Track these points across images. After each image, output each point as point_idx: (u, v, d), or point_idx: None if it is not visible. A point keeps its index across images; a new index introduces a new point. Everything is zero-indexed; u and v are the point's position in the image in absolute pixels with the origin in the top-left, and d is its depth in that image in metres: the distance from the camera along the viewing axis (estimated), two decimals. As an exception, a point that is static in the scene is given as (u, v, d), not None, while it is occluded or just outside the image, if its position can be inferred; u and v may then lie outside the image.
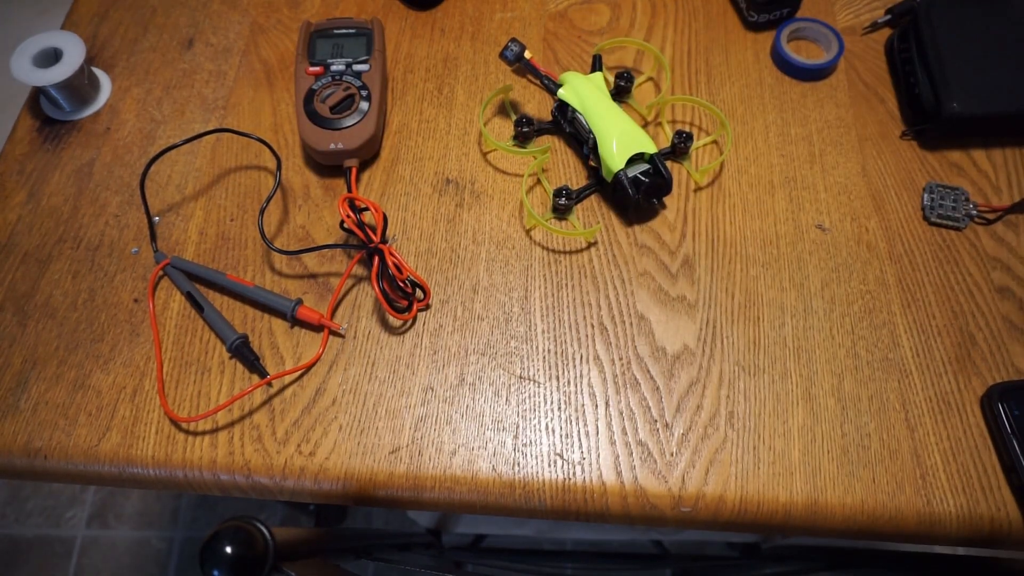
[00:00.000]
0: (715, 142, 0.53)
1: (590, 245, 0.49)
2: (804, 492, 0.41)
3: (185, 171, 0.52)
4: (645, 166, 0.48)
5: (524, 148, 0.52)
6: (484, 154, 0.52)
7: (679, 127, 0.53)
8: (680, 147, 0.50)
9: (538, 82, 0.55)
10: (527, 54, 0.52)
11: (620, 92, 0.53)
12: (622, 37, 0.56)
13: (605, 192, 0.50)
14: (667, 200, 0.50)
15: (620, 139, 0.47)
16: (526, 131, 0.52)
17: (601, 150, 0.48)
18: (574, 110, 0.50)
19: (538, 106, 0.54)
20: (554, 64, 0.56)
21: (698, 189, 0.51)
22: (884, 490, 0.41)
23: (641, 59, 0.56)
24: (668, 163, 0.51)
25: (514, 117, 0.53)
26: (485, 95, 0.55)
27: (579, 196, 0.50)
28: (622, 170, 0.47)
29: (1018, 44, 0.51)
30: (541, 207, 0.50)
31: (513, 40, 0.52)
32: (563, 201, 0.49)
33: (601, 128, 0.48)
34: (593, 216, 0.50)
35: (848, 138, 0.53)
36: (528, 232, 0.49)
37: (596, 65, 0.53)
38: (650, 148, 0.48)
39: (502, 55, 0.52)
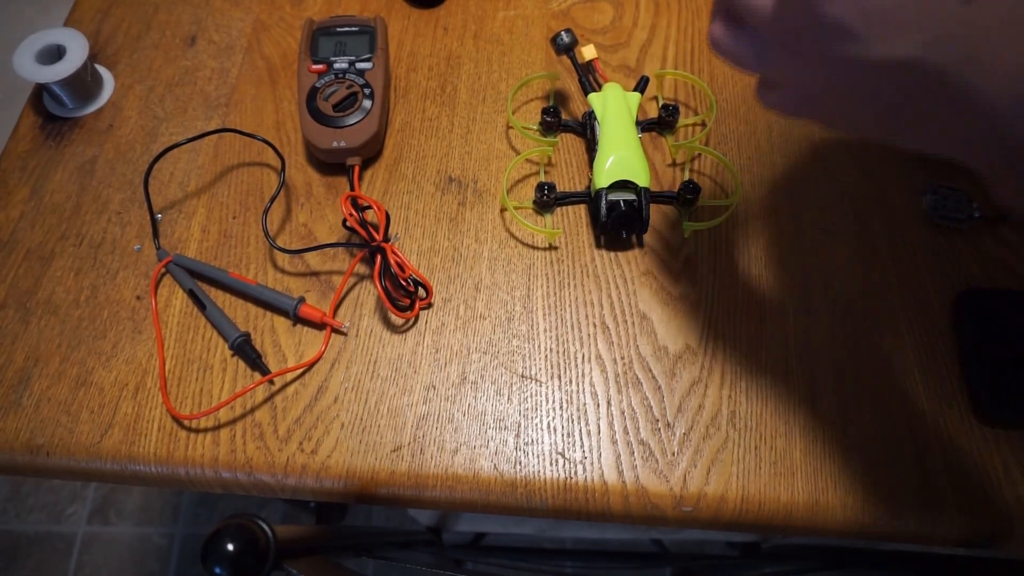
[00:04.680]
0: (725, 190, 0.53)
1: (552, 247, 0.49)
2: (805, 492, 0.41)
3: (187, 168, 0.52)
4: (632, 197, 0.47)
5: (542, 137, 0.52)
6: (486, 155, 0.52)
7: (702, 176, 0.52)
8: (687, 198, 0.49)
9: (576, 80, 0.53)
10: (587, 54, 0.52)
11: (662, 124, 0.52)
12: (685, 72, 0.54)
13: (590, 206, 0.50)
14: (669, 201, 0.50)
15: (616, 160, 0.47)
16: (550, 121, 0.51)
17: (595, 164, 0.48)
18: (596, 118, 0.49)
19: (579, 106, 0.54)
20: (556, 63, 0.56)
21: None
22: (885, 490, 0.41)
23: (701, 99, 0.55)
24: (677, 213, 0.50)
25: (550, 104, 0.52)
26: (488, 93, 0.55)
27: (563, 198, 0.49)
28: (605, 189, 0.46)
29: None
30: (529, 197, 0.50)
31: (567, 30, 0.51)
32: (543, 197, 0.48)
33: (605, 143, 0.48)
34: (582, 225, 0.50)
35: (851, 137, 0.53)
36: (531, 231, 0.49)
37: (639, 86, 0.52)
38: (642, 181, 0.46)
39: (552, 41, 0.51)
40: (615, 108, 0.49)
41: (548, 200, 0.48)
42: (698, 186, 0.48)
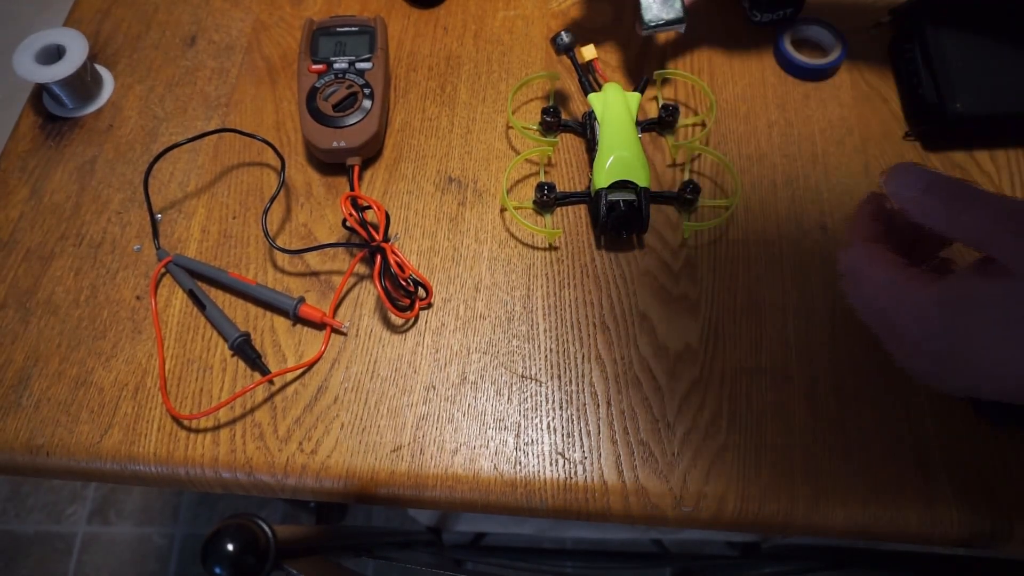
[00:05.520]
0: (725, 190, 0.53)
1: (553, 247, 0.49)
2: (805, 492, 0.41)
3: (187, 168, 0.52)
4: (632, 197, 0.46)
5: (542, 137, 0.52)
6: (486, 155, 0.52)
7: (702, 177, 0.52)
8: (687, 198, 0.49)
9: (576, 80, 0.53)
10: (587, 54, 0.52)
11: (662, 124, 0.52)
12: (685, 72, 0.54)
13: (590, 206, 0.50)
14: (670, 201, 0.50)
15: (616, 160, 0.47)
16: (550, 121, 0.51)
17: (595, 164, 0.47)
18: (596, 118, 0.49)
19: (579, 106, 0.54)
20: (556, 63, 0.56)
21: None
22: (885, 490, 0.41)
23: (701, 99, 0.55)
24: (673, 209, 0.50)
25: (550, 104, 0.52)
26: (488, 93, 0.55)
27: (563, 198, 0.49)
28: (605, 189, 0.46)
29: (1022, 44, 0.51)
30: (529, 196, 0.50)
31: (567, 30, 0.51)
32: (543, 197, 0.48)
33: (605, 143, 0.47)
34: (582, 225, 0.50)
35: (851, 138, 0.53)
36: (531, 231, 0.49)
37: (639, 86, 0.52)
38: (642, 181, 0.46)
39: (552, 41, 0.52)
40: (615, 108, 0.49)
41: (548, 200, 0.48)
42: (698, 186, 0.48)
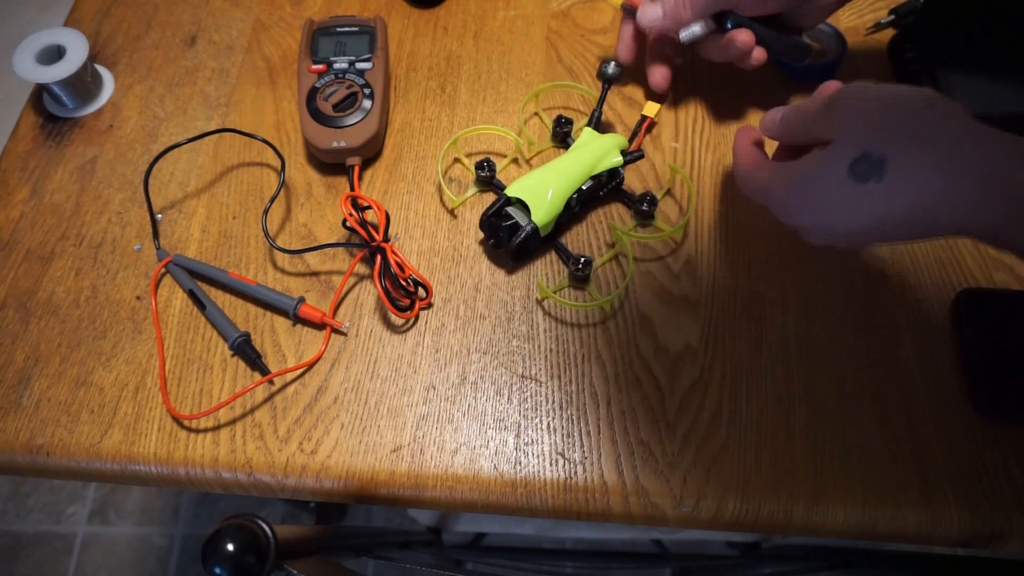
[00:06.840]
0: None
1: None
2: (806, 492, 0.41)
3: (188, 168, 0.52)
4: (519, 222, 0.46)
5: (548, 141, 0.52)
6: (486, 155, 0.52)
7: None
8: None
9: (591, 109, 0.52)
10: (649, 111, 0.51)
11: (638, 210, 0.49)
12: (686, 175, 0.50)
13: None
14: (670, 200, 0.50)
15: (537, 185, 0.46)
16: (559, 131, 0.51)
17: (528, 174, 0.47)
18: (572, 143, 0.50)
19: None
20: (556, 63, 0.56)
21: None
22: (885, 490, 0.41)
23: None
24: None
25: (564, 118, 0.52)
26: (488, 93, 0.55)
27: (490, 181, 0.50)
28: (507, 198, 0.46)
29: (1022, 45, 0.51)
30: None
31: (616, 63, 0.50)
32: (484, 172, 0.49)
33: (551, 168, 0.47)
34: (583, 225, 0.50)
35: (851, 138, 0.52)
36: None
37: (630, 156, 0.50)
38: (539, 219, 0.45)
39: (600, 67, 0.51)
40: (589, 154, 0.47)
41: (484, 178, 0.49)
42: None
